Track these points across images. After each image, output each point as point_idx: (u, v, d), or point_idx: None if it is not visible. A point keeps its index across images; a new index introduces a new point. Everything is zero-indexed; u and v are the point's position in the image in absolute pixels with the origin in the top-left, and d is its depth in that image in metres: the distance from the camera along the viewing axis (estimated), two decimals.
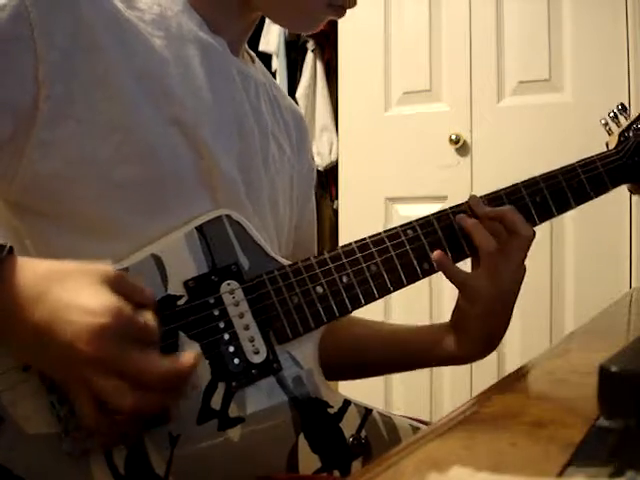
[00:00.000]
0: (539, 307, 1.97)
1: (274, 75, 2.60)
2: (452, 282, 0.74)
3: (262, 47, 2.57)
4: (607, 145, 0.89)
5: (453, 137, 2.08)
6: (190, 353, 0.55)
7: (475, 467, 0.34)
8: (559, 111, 1.95)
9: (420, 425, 0.74)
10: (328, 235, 2.53)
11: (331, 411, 0.67)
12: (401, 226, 0.72)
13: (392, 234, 0.72)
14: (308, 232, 0.93)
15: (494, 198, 0.76)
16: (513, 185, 0.77)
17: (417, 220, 0.73)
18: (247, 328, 0.65)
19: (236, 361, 0.64)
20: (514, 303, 0.76)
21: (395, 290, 0.71)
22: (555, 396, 0.55)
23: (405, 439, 0.68)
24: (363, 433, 0.67)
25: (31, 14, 0.60)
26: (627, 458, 0.34)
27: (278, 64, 2.61)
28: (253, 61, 0.84)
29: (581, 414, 0.44)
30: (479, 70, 2.07)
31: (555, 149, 1.94)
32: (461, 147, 2.09)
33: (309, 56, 2.56)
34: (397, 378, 2.18)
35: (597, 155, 0.82)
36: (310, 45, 2.55)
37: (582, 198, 0.79)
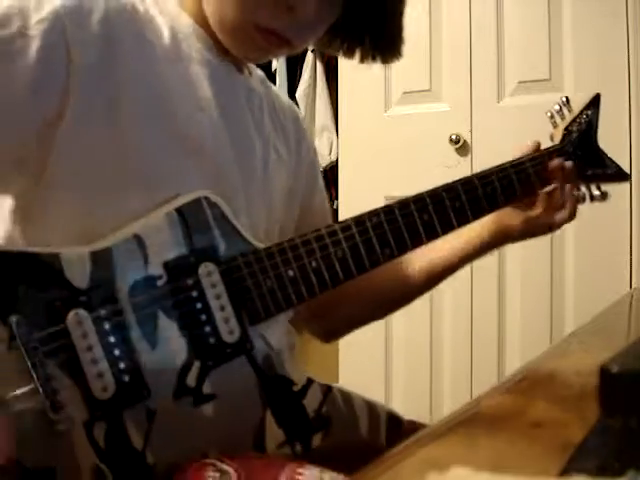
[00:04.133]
0: (539, 307, 1.97)
1: (274, 75, 2.60)
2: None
3: None
4: (551, 138, 0.93)
5: (453, 137, 2.08)
6: None
7: (475, 467, 0.34)
8: None
9: (376, 401, 0.80)
10: None
11: (295, 388, 0.71)
12: (368, 213, 0.75)
13: (359, 221, 0.74)
14: (320, 223, 0.95)
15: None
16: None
17: (382, 207, 0.76)
18: (223, 309, 0.68)
19: (212, 340, 0.67)
20: None
21: (359, 274, 0.74)
22: (555, 396, 0.55)
23: (360, 412, 0.76)
24: (324, 409, 0.72)
25: (67, 27, 0.63)
26: (627, 458, 0.34)
27: (278, 64, 2.61)
28: (251, 73, 0.86)
29: (581, 414, 0.44)
30: (479, 70, 2.07)
31: None
32: (461, 147, 2.09)
33: (309, 56, 2.56)
34: (397, 378, 2.18)
35: (545, 149, 0.87)
36: (310, 45, 2.55)
37: (529, 191, 0.85)
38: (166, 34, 0.73)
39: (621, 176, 0.93)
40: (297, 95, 2.56)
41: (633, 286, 1.85)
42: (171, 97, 0.70)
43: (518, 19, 2.02)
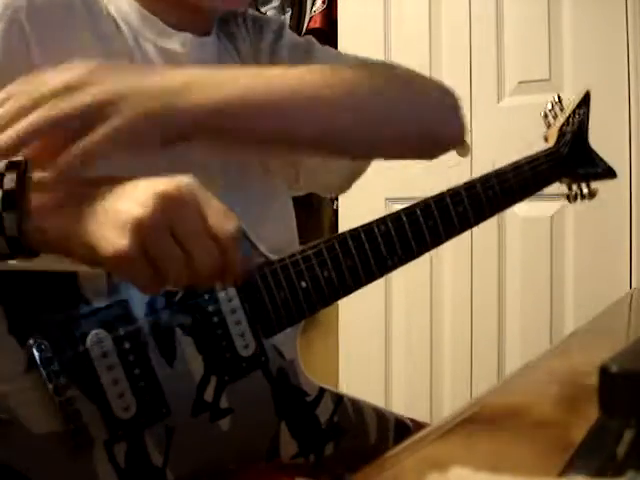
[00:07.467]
0: (539, 307, 1.97)
1: None
2: None
3: None
4: (546, 139, 0.95)
5: None
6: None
7: (475, 467, 0.34)
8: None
9: (383, 408, 0.79)
10: (328, 235, 2.53)
11: (308, 399, 0.71)
12: (376, 221, 0.75)
13: (367, 229, 0.74)
14: None
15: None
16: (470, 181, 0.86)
17: (389, 215, 0.76)
18: (238, 323, 0.67)
19: (228, 355, 0.67)
20: None
21: (368, 283, 0.74)
22: (555, 396, 0.55)
23: (369, 421, 0.75)
24: (336, 418, 0.73)
25: (26, 28, 0.62)
26: (627, 458, 0.34)
27: None
28: (233, 31, 0.82)
29: (581, 414, 0.44)
30: (479, 70, 2.07)
31: None
32: (461, 147, 2.09)
33: None
34: (397, 378, 2.18)
35: (542, 151, 0.90)
36: None
37: (527, 193, 0.86)
38: (120, 22, 0.71)
39: (610, 173, 0.96)
40: None
41: (633, 286, 1.85)
42: None
43: (518, 19, 2.02)
